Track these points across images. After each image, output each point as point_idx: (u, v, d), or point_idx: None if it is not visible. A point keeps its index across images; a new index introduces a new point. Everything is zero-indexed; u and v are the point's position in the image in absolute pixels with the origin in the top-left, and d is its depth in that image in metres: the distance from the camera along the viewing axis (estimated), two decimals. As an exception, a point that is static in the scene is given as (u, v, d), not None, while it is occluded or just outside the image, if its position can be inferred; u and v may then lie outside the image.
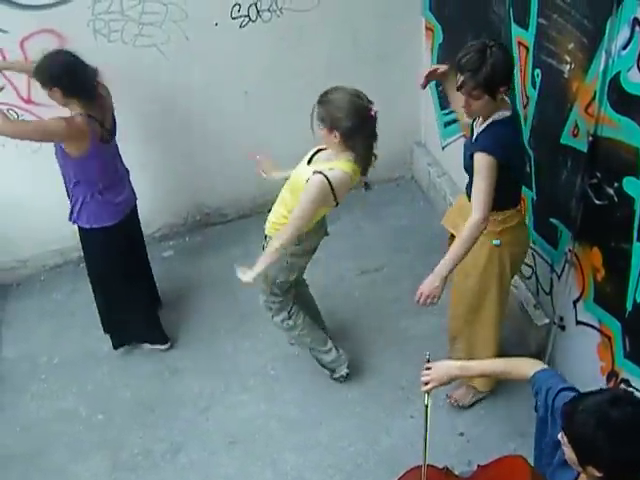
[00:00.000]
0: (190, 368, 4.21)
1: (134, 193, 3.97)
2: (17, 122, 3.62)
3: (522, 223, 3.40)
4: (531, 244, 3.78)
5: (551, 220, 3.58)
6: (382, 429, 3.78)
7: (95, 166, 3.57)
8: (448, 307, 3.67)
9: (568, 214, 3.36)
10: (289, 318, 3.76)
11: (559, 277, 3.64)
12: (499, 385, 3.84)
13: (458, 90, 2.91)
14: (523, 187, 3.47)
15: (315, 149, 3.33)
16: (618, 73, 2.76)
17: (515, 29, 3.50)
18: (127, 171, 3.93)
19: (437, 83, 4.54)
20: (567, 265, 3.49)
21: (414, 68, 4.50)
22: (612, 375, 3.30)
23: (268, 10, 4.37)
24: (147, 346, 4.31)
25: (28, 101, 4.16)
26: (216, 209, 5.16)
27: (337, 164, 3.12)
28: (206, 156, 4.85)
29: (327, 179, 3.08)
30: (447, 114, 4.64)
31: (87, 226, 3.76)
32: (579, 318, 3.52)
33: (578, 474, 2.07)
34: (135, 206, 4.00)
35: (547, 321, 3.85)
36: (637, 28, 2.60)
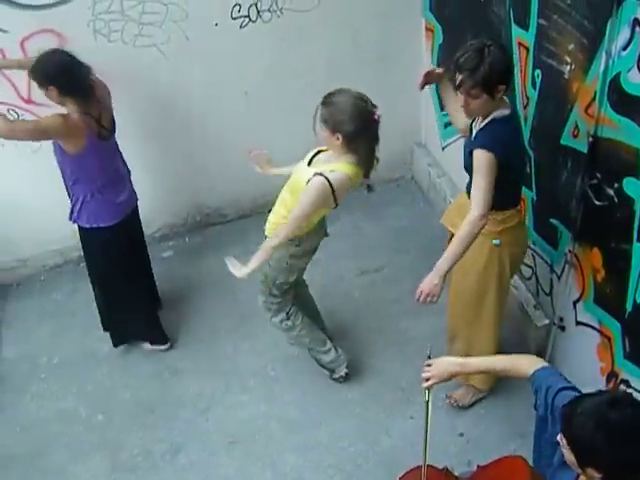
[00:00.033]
0: (190, 369, 4.21)
1: (135, 193, 3.97)
2: (17, 122, 3.62)
3: (522, 223, 3.41)
4: (531, 245, 3.78)
5: (551, 221, 3.58)
6: (382, 430, 3.77)
7: (93, 163, 3.57)
8: (447, 307, 3.68)
9: (568, 215, 3.36)
10: (287, 319, 3.76)
11: (559, 278, 3.64)
12: (499, 385, 3.84)
13: (457, 89, 2.92)
14: (523, 188, 3.47)
15: (315, 150, 3.33)
16: (618, 74, 2.75)
17: (515, 30, 3.50)
18: (129, 171, 3.93)
19: (436, 83, 4.56)
20: (567, 266, 3.49)
21: (414, 68, 4.49)
22: (612, 376, 3.30)
23: (268, 10, 4.37)
24: (147, 346, 4.31)
25: (28, 101, 4.15)
26: (216, 209, 5.16)
27: (338, 166, 3.12)
28: (206, 156, 4.85)
29: (328, 181, 3.08)
30: (447, 115, 4.63)
31: (87, 226, 3.76)
32: (579, 319, 3.52)
33: (578, 475, 2.06)
34: (136, 207, 4.00)
35: (547, 322, 3.85)
36: (637, 29, 2.60)
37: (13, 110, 4.16)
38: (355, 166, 3.16)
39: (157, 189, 4.81)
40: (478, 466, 2.67)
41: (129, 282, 4.00)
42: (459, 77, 2.86)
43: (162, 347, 4.29)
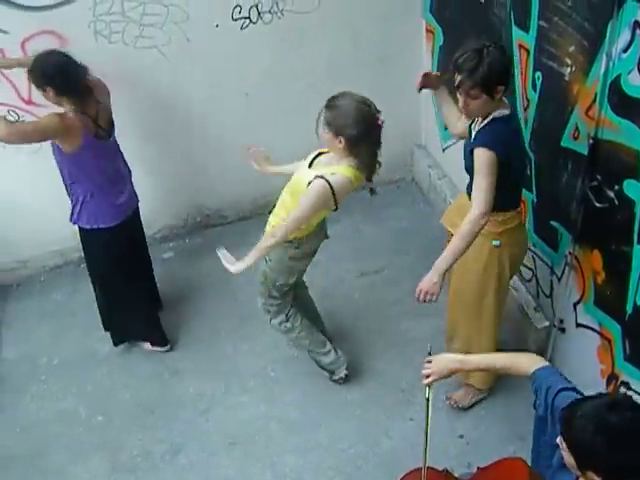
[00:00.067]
0: (190, 369, 4.21)
1: (136, 195, 3.98)
2: (17, 126, 3.62)
3: (522, 225, 3.41)
4: (531, 247, 3.79)
5: (551, 223, 3.58)
6: (382, 431, 3.77)
7: (90, 163, 3.58)
8: (446, 307, 3.68)
9: (568, 217, 3.36)
10: (287, 320, 3.76)
11: (559, 280, 3.64)
12: (498, 387, 3.85)
13: (456, 89, 2.92)
14: (524, 190, 3.48)
15: (316, 152, 3.33)
16: (619, 76, 2.76)
17: (516, 32, 3.50)
18: (130, 172, 3.93)
19: (442, 81, 4.56)
20: (567, 268, 3.49)
21: (414, 70, 4.48)
22: (612, 378, 3.30)
23: (269, 12, 4.37)
24: (147, 346, 4.31)
25: (29, 102, 4.15)
26: (216, 211, 5.17)
27: (339, 169, 3.12)
28: (206, 157, 4.85)
29: (329, 184, 3.07)
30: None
31: (87, 227, 3.76)
32: (579, 321, 3.52)
33: (577, 478, 2.06)
34: (137, 208, 4.01)
35: (547, 324, 3.85)
36: (638, 31, 2.60)
37: (13, 111, 4.16)
38: (356, 169, 3.16)
39: (157, 190, 4.82)
40: (478, 468, 2.67)
41: (130, 283, 4.00)
42: (458, 78, 2.87)
43: (162, 349, 4.29)
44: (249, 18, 4.36)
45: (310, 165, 3.29)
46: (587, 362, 3.45)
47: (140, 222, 4.12)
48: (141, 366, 4.26)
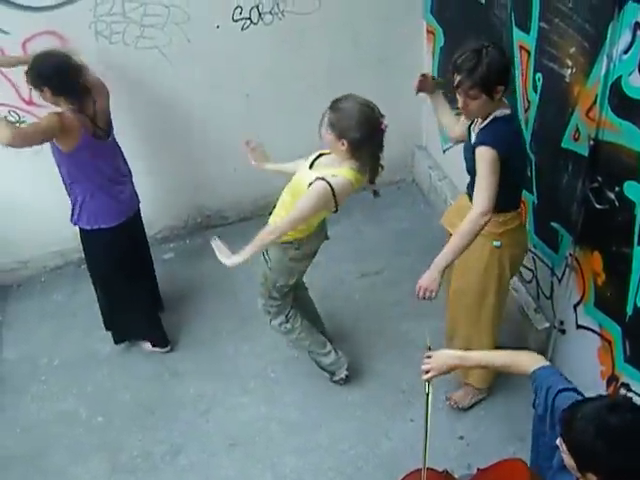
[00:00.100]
0: (190, 370, 4.21)
1: (137, 196, 3.98)
2: (20, 129, 3.61)
3: (522, 225, 3.41)
4: (532, 248, 3.79)
5: (552, 224, 3.58)
6: (382, 432, 3.77)
7: (89, 162, 3.58)
8: (446, 307, 3.68)
9: (569, 218, 3.36)
10: (287, 321, 3.76)
11: (560, 281, 3.64)
12: (498, 388, 3.85)
13: (455, 90, 2.92)
14: (524, 191, 3.48)
15: (317, 153, 3.33)
16: (619, 77, 2.76)
17: (517, 33, 3.50)
18: (130, 173, 3.93)
19: (438, 86, 4.56)
20: (568, 269, 3.49)
21: (415, 71, 4.46)
22: (612, 379, 3.30)
23: (270, 13, 4.37)
24: (147, 347, 4.31)
25: (29, 102, 4.15)
26: (217, 211, 5.17)
27: (340, 171, 3.12)
28: (207, 158, 4.86)
29: (330, 186, 3.07)
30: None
31: (88, 227, 3.76)
32: (579, 322, 3.52)
33: (577, 479, 2.06)
34: (138, 209, 4.01)
35: (547, 325, 3.85)
36: (638, 32, 2.60)
37: (14, 112, 4.17)
38: (357, 172, 3.16)
39: (158, 191, 4.82)
40: (478, 469, 2.67)
41: (131, 284, 4.00)
42: (457, 78, 2.87)
43: (163, 349, 4.29)
44: (250, 19, 4.36)
45: (311, 166, 3.29)
46: (587, 363, 3.45)
47: (141, 223, 4.12)
48: (141, 367, 4.26)
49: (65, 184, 3.73)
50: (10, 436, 3.94)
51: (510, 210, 3.21)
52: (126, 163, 3.90)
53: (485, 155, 2.90)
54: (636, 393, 3.12)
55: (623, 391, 3.20)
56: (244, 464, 3.70)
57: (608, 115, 2.89)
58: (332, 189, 3.08)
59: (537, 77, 3.39)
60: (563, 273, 3.56)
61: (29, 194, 4.51)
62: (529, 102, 3.51)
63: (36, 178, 4.36)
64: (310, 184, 3.10)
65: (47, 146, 3.59)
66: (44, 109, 3.79)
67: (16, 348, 4.45)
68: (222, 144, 4.74)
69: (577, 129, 3.16)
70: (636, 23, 2.60)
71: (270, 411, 3.94)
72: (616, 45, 2.73)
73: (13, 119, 4.14)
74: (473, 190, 3.03)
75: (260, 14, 4.36)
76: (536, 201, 3.70)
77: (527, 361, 2.42)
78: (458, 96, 2.94)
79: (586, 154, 3.08)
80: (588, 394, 2.12)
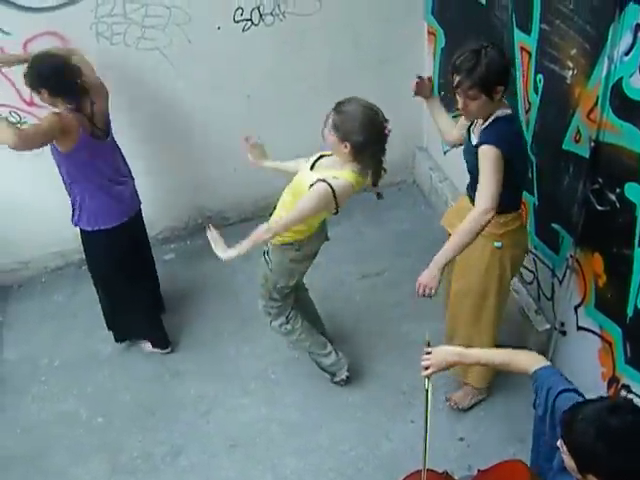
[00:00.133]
0: (191, 371, 4.21)
1: (138, 197, 3.98)
2: (22, 132, 3.60)
3: (523, 226, 3.41)
4: (533, 249, 3.79)
5: (553, 225, 3.58)
6: (383, 433, 3.77)
7: (88, 162, 3.58)
8: (446, 307, 3.68)
9: (570, 220, 3.36)
10: (287, 323, 3.76)
11: (560, 282, 3.64)
12: (498, 389, 3.85)
13: (454, 90, 2.93)
14: (525, 193, 3.48)
15: (317, 155, 3.33)
16: (620, 79, 2.76)
17: (518, 34, 3.50)
18: (131, 173, 3.93)
19: (439, 88, 4.56)
20: (568, 270, 3.49)
21: (416, 72, 4.49)
22: (613, 381, 3.30)
23: (271, 14, 4.37)
24: (147, 347, 4.31)
25: (30, 103, 4.15)
26: (218, 212, 5.17)
27: (342, 174, 3.11)
28: (208, 159, 4.86)
29: (331, 188, 3.07)
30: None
31: (89, 228, 3.76)
32: (580, 324, 3.52)
33: (578, 480, 2.07)
34: (139, 210, 4.00)
35: (548, 326, 3.85)
36: (639, 34, 2.61)
37: (15, 112, 4.17)
38: (358, 175, 3.16)
39: (159, 191, 4.82)
40: (478, 470, 2.67)
41: (132, 284, 4.00)
42: (456, 78, 2.88)
43: (163, 351, 4.29)
44: (251, 20, 4.36)
45: (312, 167, 3.28)
46: (588, 365, 3.45)
47: (143, 223, 4.12)
48: (142, 368, 4.26)
49: (65, 185, 3.73)
50: (10, 436, 3.94)
51: (511, 211, 3.20)
52: (126, 164, 3.90)
53: (488, 154, 2.89)
54: (637, 395, 3.12)
55: (624, 393, 3.21)
56: (244, 465, 3.70)
57: (609, 117, 2.88)
58: (333, 191, 3.07)
59: (538, 78, 3.39)
60: (564, 274, 3.56)
61: (30, 194, 4.51)
62: (530, 103, 3.51)
63: (36, 178, 4.36)
64: (311, 185, 3.10)
65: (47, 147, 3.59)
66: (45, 110, 3.79)
67: (17, 348, 4.45)
68: (223, 145, 4.74)
69: (578, 130, 3.16)
70: (637, 25, 2.60)
71: (271, 412, 3.94)
72: (617, 47, 2.73)
73: (14, 120, 4.14)
74: (473, 191, 3.03)
75: (261, 15, 4.36)
76: (537, 202, 3.70)
77: (527, 360, 2.41)
78: (458, 97, 2.94)
79: (587, 155, 3.08)
80: (589, 396, 2.12)
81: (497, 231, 3.19)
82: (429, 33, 4.72)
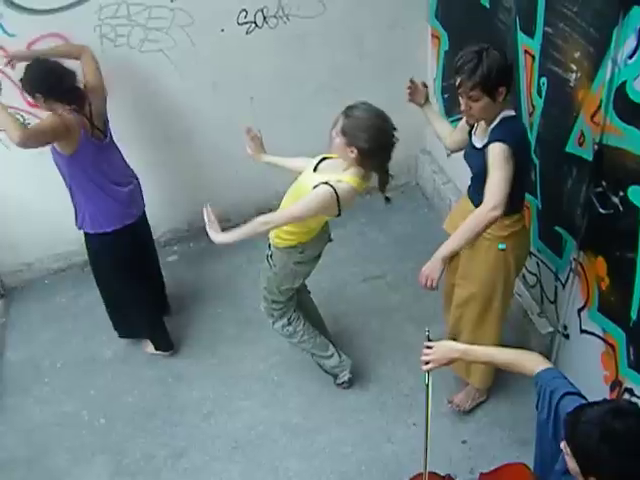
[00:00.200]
0: (193, 373, 4.21)
1: (142, 199, 3.98)
2: (26, 129, 3.61)
3: (526, 228, 3.42)
4: (536, 252, 3.79)
5: (556, 228, 3.58)
6: (385, 436, 3.77)
7: (89, 163, 3.59)
8: (445, 307, 3.68)
9: (573, 223, 3.36)
10: (289, 324, 3.77)
11: (563, 286, 3.64)
12: (501, 392, 3.84)
13: (457, 91, 2.93)
14: (529, 195, 3.48)
15: (320, 157, 3.32)
16: (624, 82, 2.75)
17: (521, 37, 3.50)
18: (134, 175, 3.93)
19: (442, 89, 4.56)
20: (572, 274, 3.48)
21: (420, 75, 4.48)
22: (616, 384, 3.29)
23: (274, 16, 4.37)
24: (150, 349, 4.31)
25: (34, 105, 4.14)
26: (220, 214, 5.14)
27: (346, 177, 3.11)
28: (211, 161, 4.85)
29: (335, 191, 3.07)
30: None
31: (92, 231, 3.77)
32: (583, 327, 3.51)
33: (581, 483, 2.06)
34: (144, 212, 4.01)
35: (551, 329, 3.85)
36: (643, 37, 2.61)
37: (19, 114, 4.17)
38: (361, 179, 3.16)
39: (161, 193, 4.82)
40: (481, 473, 2.66)
41: (135, 287, 4.01)
42: (458, 79, 2.89)
43: (165, 353, 4.29)
44: (255, 22, 4.36)
45: (315, 170, 3.28)
46: (591, 368, 3.44)
47: (148, 226, 4.13)
48: (144, 370, 4.26)
49: (68, 187, 3.73)
50: (13, 438, 3.94)
51: (515, 213, 3.21)
52: (128, 166, 3.90)
53: (497, 150, 2.88)
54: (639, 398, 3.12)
55: (626, 396, 3.20)
56: (247, 467, 3.70)
57: (613, 120, 2.88)
58: (337, 195, 3.07)
59: (542, 81, 3.39)
60: (567, 278, 3.56)
61: (33, 196, 4.51)
62: (533, 106, 3.51)
63: (40, 181, 4.35)
64: (315, 187, 3.10)
65: (49, 149, 3.60)
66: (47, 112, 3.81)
67: (19, 350, 4.46)
68: (225, 147, 4.74)
69: (582, 134, 3.15)
70: (641, 28, 2.60)
71: (273, 414, 3.94)
72: (621, 50, 2.73)
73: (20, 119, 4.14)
74: (476, 194, 3.03)
75: (265, 18, 4.36)
76: (540, 205, 3.70)
77: (530, 361, 2.41)
78: (460, 99, 2.94)
79: (590, 159, 3.08)
80: (591, 399, 2.12)
81: (502, 233, 3.19)
82: (433, 36, 4.72)
